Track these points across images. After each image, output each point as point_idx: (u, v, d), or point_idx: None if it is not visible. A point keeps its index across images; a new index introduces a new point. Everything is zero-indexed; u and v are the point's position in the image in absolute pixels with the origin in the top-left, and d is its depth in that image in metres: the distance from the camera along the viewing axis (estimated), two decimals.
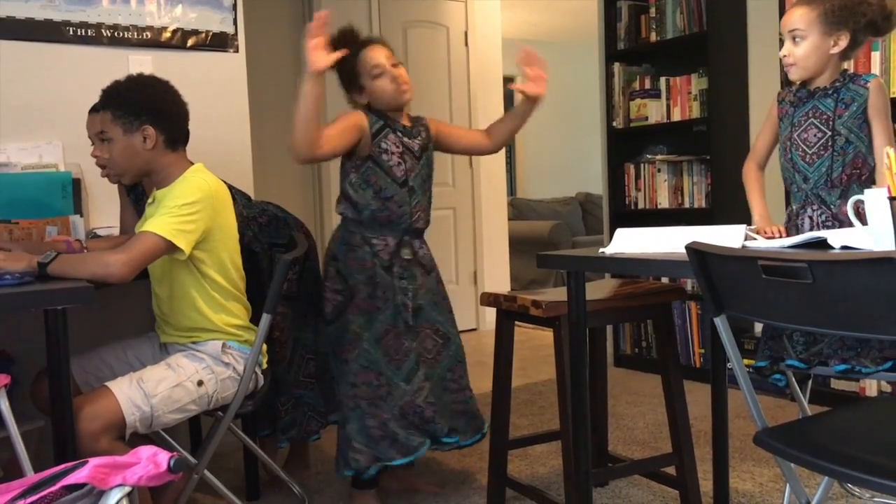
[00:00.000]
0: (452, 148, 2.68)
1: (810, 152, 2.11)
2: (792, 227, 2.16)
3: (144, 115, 2.10)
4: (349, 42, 2.40)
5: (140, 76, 2.20)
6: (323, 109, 2.35)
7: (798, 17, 2.07)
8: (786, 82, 3.53)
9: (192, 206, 2.03)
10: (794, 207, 2.20)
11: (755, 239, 1.86)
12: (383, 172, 2.43)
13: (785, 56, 2.11)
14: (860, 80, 2.08)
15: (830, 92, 2.09)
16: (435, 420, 2.42)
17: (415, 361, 2.43)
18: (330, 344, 2.48)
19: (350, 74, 2.48)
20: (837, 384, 3.37)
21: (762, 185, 2.32)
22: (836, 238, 1.64)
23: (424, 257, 2.53)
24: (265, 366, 2.31)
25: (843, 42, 2.06)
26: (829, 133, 2.08)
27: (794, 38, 2.09)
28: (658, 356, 2.42)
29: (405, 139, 2.48)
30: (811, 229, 2.10)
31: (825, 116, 2.09)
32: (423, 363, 2.46)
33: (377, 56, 2.44)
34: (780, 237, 1.94)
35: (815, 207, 2.12)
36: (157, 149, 2.12)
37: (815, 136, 2.11)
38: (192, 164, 2.21)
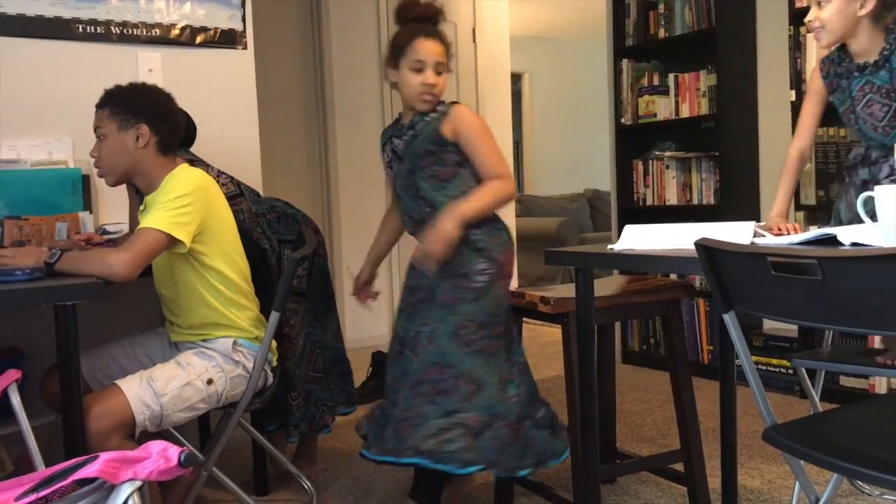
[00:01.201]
0: None
1: (881, 125, 2.10)
2: (856, 173, 2.12)
3: (142, 114, 2.10)
4: (411, 17, 2.26)
5: (144, 83, 2.21)
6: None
7: None
8: (796, 79, 3.52)
9: (185, 199, 2.03)
10: (873, 155, 2.17)
11: (764, 236, 1.86)
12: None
13: (810, 21, 2.07)
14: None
15: (882, 63, 2.05)
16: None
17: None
18: None
19: (396, 50, 2.27)
20: (847, 381, 3.36)
21: (796, 178, 2.26)
22: (846, 235, 1.64)
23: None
24: (275, 363, 2.32)
25: (870, 3, 2.01)
26: (894, 105, 2.05)
27: (818, 3, 2.04)
28: (666, 353, 2.42)
29: (395, 140, 2.34)
30: (889, 176, 2.08)
31: (884, 90, 2.06)
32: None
33: (426, 51, 2.24)
34: (792, 234, 1.93)
35: None
36: (147, 149, 2.11)
37: (880, 110, 2.08)
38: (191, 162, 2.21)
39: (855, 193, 2.13)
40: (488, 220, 2.26)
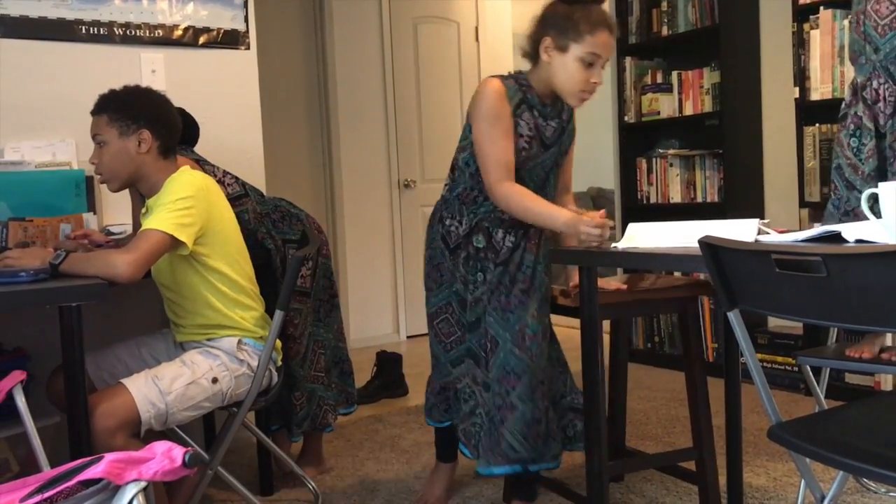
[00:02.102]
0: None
1: (882, 23, 2.13)
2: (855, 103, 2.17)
3: (142, 120, 2.10)
4: None
5: (137, 86, 2.20)
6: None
7: None
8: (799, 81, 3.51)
9: (187, 201, 2.03)
10: (859, 80, 2.21)
11: (768, 233, 1.85)
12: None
13: None
14: None
15: None
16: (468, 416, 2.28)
17: (465, 351, 2.29)
18: None
19: (571, 32, 2.08)
20: (853, 378, 3.35)
21: None
22: (851, 232, 1.63)
23: (505, 250, 2.22)
24: (279, 363, 2.32)
25: None
26: None
27: None
28: (682, 350, 2.41)
29: (542, 119, 2.18)
30: (876, 103, 2.10)
31: None
32: (474, 360, 2.26)
33: (605, 47, 2.08)
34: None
35: (881, 80, 2.13)
36: (150, 154, 2.11)
37: (887, 8, 2.13)
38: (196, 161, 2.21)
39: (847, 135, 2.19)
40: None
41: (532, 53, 2.20)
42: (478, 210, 2.24)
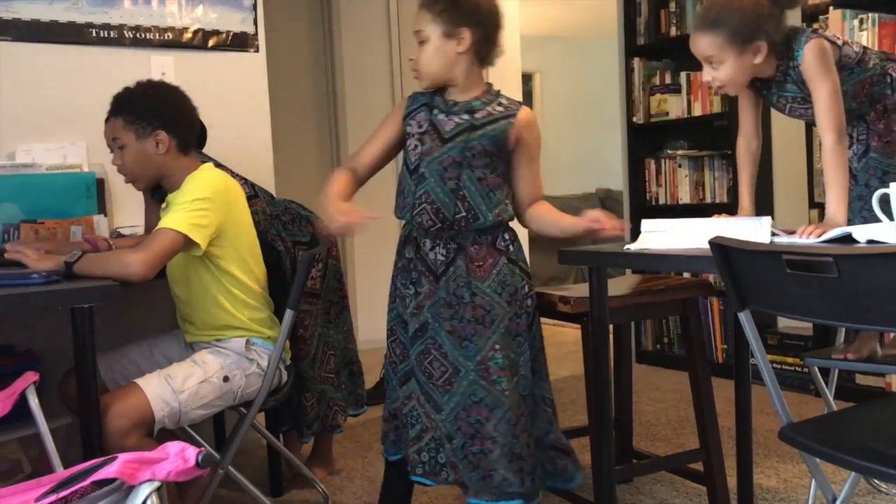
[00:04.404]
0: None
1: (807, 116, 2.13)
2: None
3: (157, 121, 2.11)
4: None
5: (150, 82, 2.22)
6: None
7: (706, 44, 1.99)
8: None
9: (204, 202, 2.04)
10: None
11: (777, 234, 1.85)
12: (405, 157, 2.17)
13: (709, 82, 2.05)
14: (796, 57, 2.00)
15: (782, 79, 2.06)
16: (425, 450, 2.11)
17: (410, 367, 2.14)
18: None
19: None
20: (863, 379, 3.34)
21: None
22: (862, 232, 1.63)
23: (436, 263, 2.09)
24: (289, 362, 2.33)
25: (762, 52, 1.98)
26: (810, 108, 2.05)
27: (711, 65, 2.02)
28: (685, 351, 2.41)
29: (437, 115, 2.11)
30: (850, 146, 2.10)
31: (798, 98, 2.07)
32: (425, 375, 2.10)
33: (414, 22, 2.12)
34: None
35: (854, 124, 2.13)
36: (169, 153, 2.13)
37: (805, 112, 2.09)
38: (204, 163, 2.22)
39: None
40: (508, 226, 2.16)
41: None
42: (405, 220, 2.18)
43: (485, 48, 2.10)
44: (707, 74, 2.03)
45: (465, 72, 2.09)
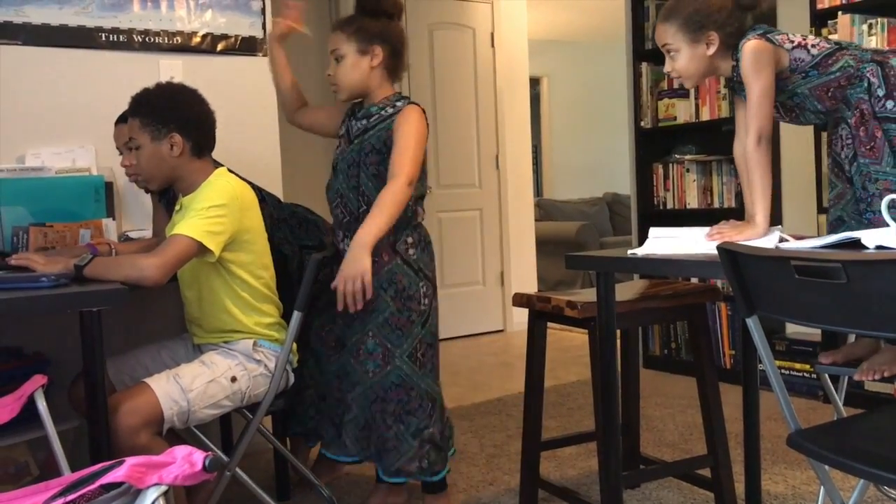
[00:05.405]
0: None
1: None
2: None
3: (172, 123, 2.12)
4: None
5: (169, 84, 2.22)
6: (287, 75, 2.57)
7: (662, 32, 2.09)
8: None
9: (220, 209, 2.05)
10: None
11: (787, 240, 1.85)
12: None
13: (669, 73, 2.13)
14: (738, 56, 2.05)
15: (738, 78, 2.07)
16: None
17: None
18: None
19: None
20: (872, 386, 3.33)
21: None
22: (871, 238, 1.62)
23: (344, 253, 2.25)
24: (296, 364, 2.34)
25: (713, 43, 2.05)
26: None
27: (670, 55, 2.10)
28: (693, 357, 2.40)
29: (352, 121, 2.40)
30: (841, 149, 2.10)
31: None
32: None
33: (330, 41, 2.39)
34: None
35: (842, 125, 2.13)
36: (183, 156, 2.14)
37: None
38: (217, 168, 2.23)
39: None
40: (415, 229, 2.35)
41: None
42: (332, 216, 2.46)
43: (393, 62, 2.36)
44: (668, 65, 2.12)
45: (378, 84, 2.35)
